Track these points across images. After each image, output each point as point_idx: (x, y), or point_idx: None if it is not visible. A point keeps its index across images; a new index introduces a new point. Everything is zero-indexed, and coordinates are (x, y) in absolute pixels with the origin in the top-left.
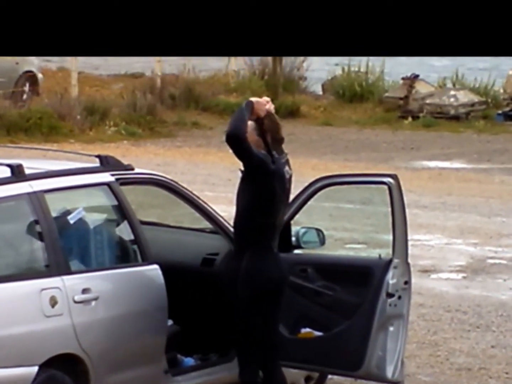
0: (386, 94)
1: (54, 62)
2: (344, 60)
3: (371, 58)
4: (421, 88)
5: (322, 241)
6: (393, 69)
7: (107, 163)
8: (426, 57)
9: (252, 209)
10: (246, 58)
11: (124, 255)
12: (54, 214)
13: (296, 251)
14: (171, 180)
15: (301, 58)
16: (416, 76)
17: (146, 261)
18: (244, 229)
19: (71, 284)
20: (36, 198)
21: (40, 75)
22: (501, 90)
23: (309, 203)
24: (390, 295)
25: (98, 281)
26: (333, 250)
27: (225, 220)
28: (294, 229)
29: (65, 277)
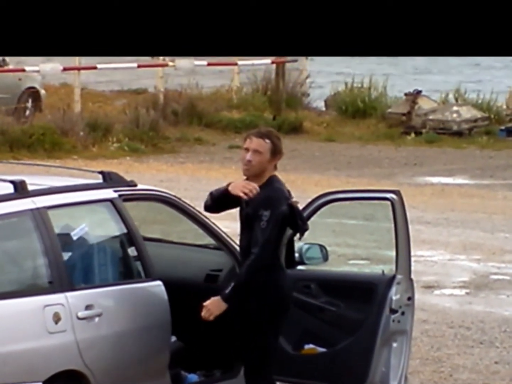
0: (389, 110)
1: (56, 78)
2: (347, 74)
3: (375, 73)
4: (423, 104)
5: (325, 257)
6: (395, 85)
7: (110, 179)
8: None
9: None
10: (249, 69)
11: (127, 271)
12: (57, 230)
13: (299, 267)
14: (174, 196)
15: (305, 74)
16: (419, 92)
17: (149, 277)
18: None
19: (74, 300)
20: (39, 215)
21: (42, 91)
22: (504, 106)
23: (312, 219)
24: (393, 311)
25: (101, 297)
26: (336, 266)
27: (228, 236)
28: (297, 245)
29: (68, 294)
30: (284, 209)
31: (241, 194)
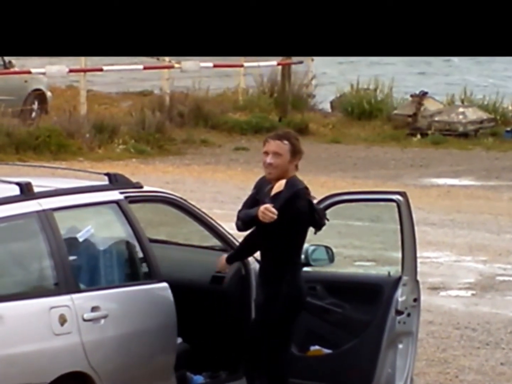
0: (395, 112)
1: (63, 81)
2: (352, 74)
3: (381, 75)
4: (429, 105)
5: (331, 259)
6: (401, 86)
7: (116, 181)
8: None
9: (291, 232)
10: (255, 72)
11: (133, 273)
12: (63, 232)
13: (305, 269)
14: (180, 198)
15: (310, 76)
16: (425, 93)
17: (155, 279)
18: (283, 252)
19: (80, 302)
20: (45, 216)
21: (49, 93)
22: (510, 107)
23: None
24: (399, 313)
25: (107, 299)
26: (342, 268)
27: (234, 238)
28: (303, 246)
29: (74, 295)
30: (302, 206)
31: (261, 219)
